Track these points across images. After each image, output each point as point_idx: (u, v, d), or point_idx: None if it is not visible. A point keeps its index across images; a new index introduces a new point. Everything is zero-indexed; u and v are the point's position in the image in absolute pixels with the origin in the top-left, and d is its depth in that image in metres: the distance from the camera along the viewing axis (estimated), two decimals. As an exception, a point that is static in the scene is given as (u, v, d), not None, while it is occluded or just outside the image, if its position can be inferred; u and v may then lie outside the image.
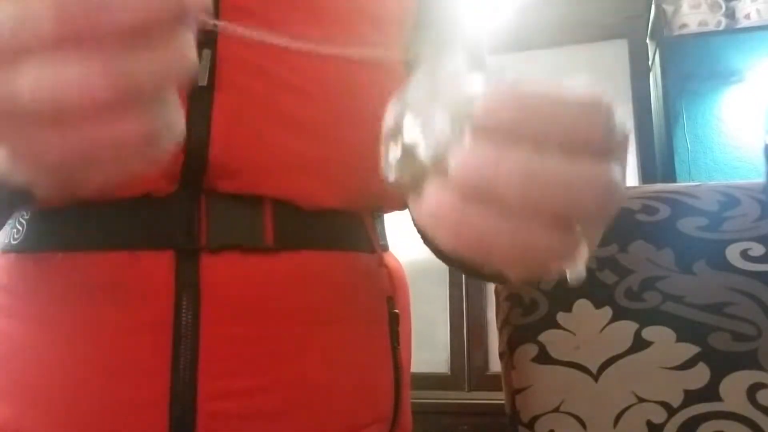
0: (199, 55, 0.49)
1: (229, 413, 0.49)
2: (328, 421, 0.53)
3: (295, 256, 0.52)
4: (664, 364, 0.66)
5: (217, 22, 0.49)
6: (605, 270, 0.70)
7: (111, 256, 0.50)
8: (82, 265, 0.50)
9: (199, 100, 0.49)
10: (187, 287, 0.49)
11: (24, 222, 0.54)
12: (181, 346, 0.48)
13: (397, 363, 0.60)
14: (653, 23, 1.98)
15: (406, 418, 0.62)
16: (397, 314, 0.60)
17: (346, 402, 0.55)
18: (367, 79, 0.56)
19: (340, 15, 0.56)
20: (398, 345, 0.60)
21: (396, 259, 0.65)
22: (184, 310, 0.48)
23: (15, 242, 0.54)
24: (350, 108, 0.54)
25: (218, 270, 0.50)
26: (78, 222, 0.51)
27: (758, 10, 1.87)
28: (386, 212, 0.64)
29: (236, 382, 0.49)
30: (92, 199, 0.50)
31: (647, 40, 2.07)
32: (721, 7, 1.94)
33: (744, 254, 0.68)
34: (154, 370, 0.48)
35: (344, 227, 0.57)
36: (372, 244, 0.60)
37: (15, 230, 0.54)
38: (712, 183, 0.73)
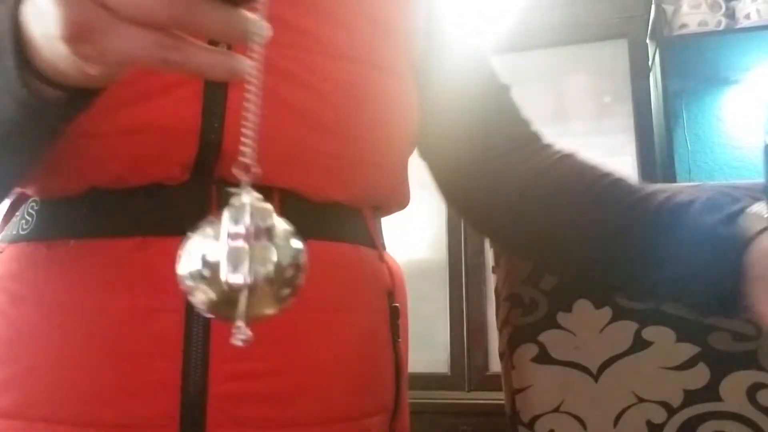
0: None
1: (240, 395, 0.50)
2: (335, 406, 0.54)
3: None
4: (664, 364, 0.66)
5: None
6: (605, 270, 0.69)
7: (123, 242, 0.51)
8: (93, 252, 0.52)
9: (215, 93, 0.51)
10: None
11: (33, 213, 0.55)
12: (192, 330, 0.49)
13: (398, 355, 0.61)
14: (653, 23, 1.98)
15: (405, 413, 0.63)
16: (397, 308, 0.61)
17: (352, 389, 0.56)
18: (376, 83, 0.58)
19: (353, 21, 0.58)
20: (398, 338, 0.61)
21: (394, 259, 0.66)
22: None
23: (24, 232, 0.55)
24: (359, 108, 0.57)
25: None
26: (90, 210, 0.52)
27: (758, 10, 1.87)
28: (388, 211, 0.65)
29: (247, 365, 0.50)
30: (106, 188, 0.51)
31: (647, 40, 2.07)
32: (721, 7, 1.94)
33: (744, 254, 0.68)
34: (166, 354, 0.49)
35: (348, 221, 0.58)
36: (373, 239, 0.61)
37: (24, 221, 0.55)
38: (713, 183, 0.73)
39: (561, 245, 0.63)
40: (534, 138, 0.68)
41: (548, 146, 0.67)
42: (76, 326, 0.51)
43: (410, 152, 0.65)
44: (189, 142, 0.51)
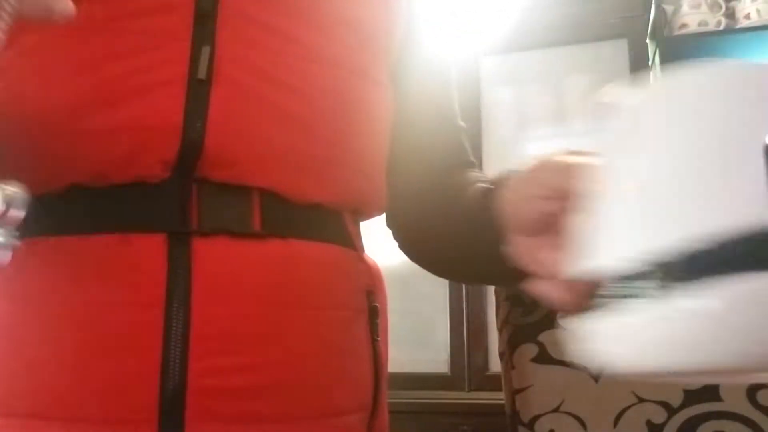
0: (200, 51, 0.52)
1: (219, 390, 0.50)
2: (314, 401, 0.55)
3: (282, 242, 0.54)
4: (664, 364, 0.66)
5: None
6: (605, 270, 0.69)
7: (103, 239, 0.51)
8: (73, 248, 0.52)
9: (197, 93, 0.52)
10: (179, 268, 0.51)
11: None
12: (171, 325, 0.50)
13: (377, 355, 0.61)
14: (653, 23, 1.98)
15: (384, 412, 0.63)
16: (376, 307, 0.62)
17: (331, 385, 0.56)
18: (357, 89, 0.59)
19: (334, 26, 0.59)
20: (377, 337, 0.62)
21: (374, 261, 0.66)
22: (175, 290, 0.50)
23: None
24: (342, 112, 0.58)
25: (209, 252, 0.52)
26: (71, 207, 0.53)
27: (758, 10, 1.88)
28: (368, 215, 0.65)
29: (227, 359, 0.51)
30: (89, 185, 0.52)
31: (647, 40, 2.07)
32: (721, 7, 1.94)
33: (744, 254, 0.68)
34: (145, 348, 0.49)
35: (328, 223, 0.59)
36: (353, 241, 0.62)
37: None
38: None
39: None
40: (471, 170, 0.68)
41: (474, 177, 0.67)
42: (54, 321, 0.51)
43: (385, 155, 0.66)
44: (171, 141, 0.51)
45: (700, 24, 1.92)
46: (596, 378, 0.68)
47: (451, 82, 0.71)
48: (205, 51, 0.52)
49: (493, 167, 2.46)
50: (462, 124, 0.71)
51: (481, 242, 0.54)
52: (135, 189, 0.52)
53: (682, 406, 0.65)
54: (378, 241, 0.71)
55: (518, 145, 2.16)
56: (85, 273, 0.52)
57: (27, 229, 0.53)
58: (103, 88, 0.51)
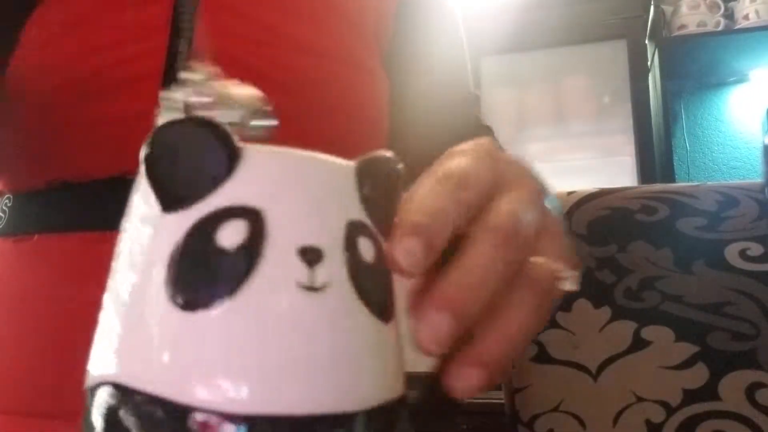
0: (177, 45, 0.52)
1: None
2: None
3: None
4: (663, 364, 0.66)
5: None
6: (604, 270, 0.70)
7: (84, 236, 0.51)
8: (56, 245, 0.52)
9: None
10: None
11: (6, 209, 0.55)
12: None
13: None
14: (652, 24, 1.98)
15: None
16: None
17: None
18: (344, 77, 0.58)
19: (320, 15, 0.58)
20: None
21: None
22: None
23: None
24: (326, 102, 0.57)
25: None
26: (55, 204, 0.53)
27: (757, 11, 1.88)
28: None
29: None
30: (69, 181, 0.52)
31: (646, 41, 2.08)
32: (719, 7, 1.94)
33: (743, 254, 0.68)
34: None
35: None
36: None
37: None
38: (711, 183, 0.73)
39: None
40: None
41: None
42: (34, 318, 0.51)
43: (383, 148, 0.65)
44: (147, 135, 0.51)
45: (698, 25, 1.93)
46: (595, 377, 0.68)
47: (460, 51, 0.69)
48: (184, 43, 0.52)
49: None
50: (475, 92, 0.70)
51: None
52: (116, 184, 0.50)
53: (681, 406, 0.65)
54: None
55: (518, 145, 2.16)
56: (65, 270, 0.51)
57: (17, 226, 0.54)
58: (85, 82, 0.51)
